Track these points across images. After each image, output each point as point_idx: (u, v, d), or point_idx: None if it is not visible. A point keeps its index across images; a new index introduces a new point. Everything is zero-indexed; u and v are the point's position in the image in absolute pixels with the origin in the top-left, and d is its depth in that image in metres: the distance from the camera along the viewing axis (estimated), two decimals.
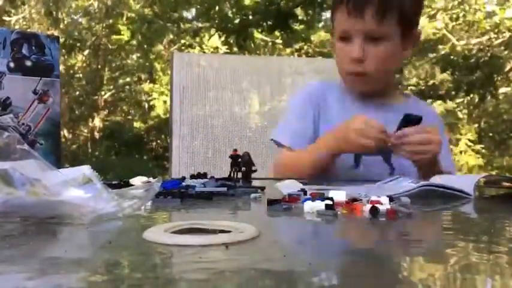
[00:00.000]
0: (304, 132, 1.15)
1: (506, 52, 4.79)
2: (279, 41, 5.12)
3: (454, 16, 4.90)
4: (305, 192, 0.59)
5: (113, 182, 0.67)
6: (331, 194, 0.55)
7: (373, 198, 0.51)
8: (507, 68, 4.81)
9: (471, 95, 4.93)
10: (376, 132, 0.94)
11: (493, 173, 4.55)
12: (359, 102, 1.18)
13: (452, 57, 4.88)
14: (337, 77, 1.23)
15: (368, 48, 1.08)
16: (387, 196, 0.52)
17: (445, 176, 0.80)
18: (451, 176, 0.94)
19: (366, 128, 0.95)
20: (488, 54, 4.78)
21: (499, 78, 4.87)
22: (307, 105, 1.18)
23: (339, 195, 0.54)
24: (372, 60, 1.09)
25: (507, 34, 4.78)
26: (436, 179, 0.71)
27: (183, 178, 0.79)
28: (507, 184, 0.76)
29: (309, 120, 1.16)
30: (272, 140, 1.20)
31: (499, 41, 4.82)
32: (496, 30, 4.81)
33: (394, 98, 1.21)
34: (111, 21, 5.26)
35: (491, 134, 5.11)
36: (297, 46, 5.12)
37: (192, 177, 0.77)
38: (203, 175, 0.78)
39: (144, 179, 0.69)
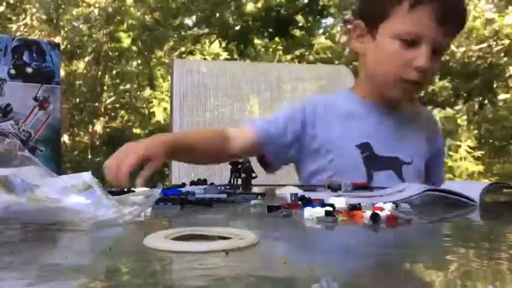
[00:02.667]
0: (275, 126, 1.08)
1: (505, 59, 4.81)
2: (279, 47, 5.14)
3: None
4: (306, 199, 0.59)
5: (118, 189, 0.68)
6: (331, 200, 0.55)
7: (377, 204, 0.51)
8: (507, 75, 4.83)
9: (470, 102, 4.94)
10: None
11: (493, 179, 4.55)
12: (375, 110, 1.11)
13: (451, 64, 4.89)
14: (337, 84, 1.23)
15: (432, 58, 1.00)
16: (392, 202, 0.52)
17: (451, 183, 0.80)
18: (457, 183, 0.93)
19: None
20: (488, 61, 4.79)
21: (499, 84, 4.88)
22: (295, 116, 1.10)
23: (339, 202, 0.54)
24: (430, 72, 1.03)
25: (506, 41, 4.79)
26: (444, 186, 0.71)
27: (183, 184, 0.79)
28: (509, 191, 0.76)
29: (289, 130, 1.08)
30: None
31: (498, 47, 4.84)
32: (495, 37, 4.82)
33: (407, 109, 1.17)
34: (111, 28, 5.28)
35: (491, 141, 5.11)
36: (297, 53, 5.13)
37: (192, 183, 0.77)
38: (203, 181, 0.78)
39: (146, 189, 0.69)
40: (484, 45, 4.79)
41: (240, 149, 1.04)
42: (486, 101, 4.85)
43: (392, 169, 1.06)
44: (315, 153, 1.10)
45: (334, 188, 0.77)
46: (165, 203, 0.58)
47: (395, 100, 1.10)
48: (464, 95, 4.90)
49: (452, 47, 4.90)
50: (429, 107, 4.30)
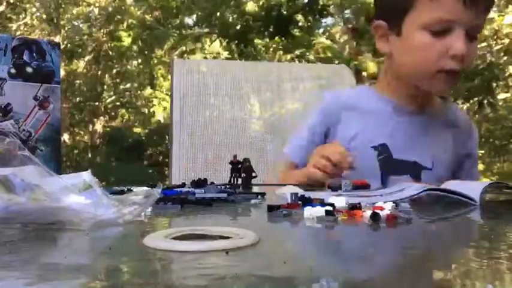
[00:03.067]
0: (305, 145, 1.08)
1: (505, 58, 4.80)
2: (279, 46, 5.14)
3: None
4: (306, 199, 0.58)
5: (119, 189, 0.68)
6: (331, 200, 0.55)
7: (377, 204, 0.51)
8: (506, 74, 4.82)
9: (470, 102, 4.94)
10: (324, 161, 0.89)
11: (493, 178, 4.55)
12: (397, 110, 1.06)
13: None
14: (337, 83, 1.23)
15: (468, 44, 0.94)
16: (393, 201, 0.52)
17: (452, 182, 0.79)
18: (458, 182, 0.91)
19: (317, 158, 0.91)
20: (487, 61, 4.79)
21: (499, 84, 4.88)
22: (315, 121, 1.09)
23: (339, 201, 0.54)
24: (468, 59, 0.96)
25: (506, 41, 4.79)
26: (445, 185, 0.71)
27: (183, 184, 0.79)
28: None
29: (313, 133, 1.08)
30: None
31: (498, 47, 4.83)
32: (495, 37, 4.82)
33: (433, 100, 1.11)
34: (112, 27, 5.28)
35: (491, 140, 5.11)
36: (297, 52, 5.13)
37: (193, 183, 0.77)
38: (203, 181, 0.78)
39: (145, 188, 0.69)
40: (484, 44, 4.78)
41: (296, 180, 0.96)
42: (485, 101, 4.85)
43: (410, 174, 1.01)
44: None
45: (334, 188, 0.77)
46: (165, 202, 0.58)
47: (438, 93, 1.04)
48: (465, 93, 4.90)
49: None
50: None
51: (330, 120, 1.08)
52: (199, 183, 0.76)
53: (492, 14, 4.92)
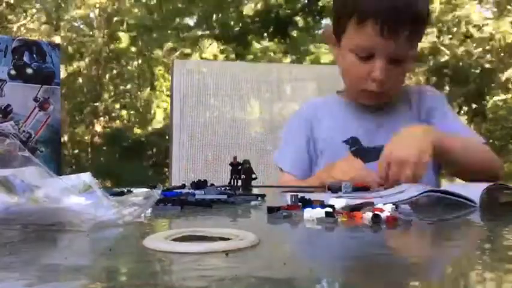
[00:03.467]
0: (302, 157, 1.18)
1: (499, 63, 4.81)
2: (278, 48, 5.14)
3: (446, 28, 4.93)
4: (306, 200, 0.58)
5: (118, 190, 0.68)
6: (331, 201, 0.55)
7: (377, 205, 0.51)
8: (504, 78, 4.82)
9: (466, 108, 4.94)
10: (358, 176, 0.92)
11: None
12: (357, 113, 1.17)
13: (445, 70, 4.89)
14: (336, 84, 1.23)
15: (389, 68, 1.04)
16: (393, 203, 0.52)
17: (453, 184, 0.80)
18: (457, 184, 0.91)
19: (349, 169, 0.95)
20: (483, 66, 4.79)
21: (495, 86, 4.88)
22: (300, 128, 1.19)
23: (339, 203, 0.54)
24: (392, 81, 1.06)
25: (502, 43, 4.79)
26: (445, 187, 0.71)
27: (183, 186, 0.79)
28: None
29: (303, 143, 1.18)
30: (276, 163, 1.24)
31: (494, 51, 4.83)
32: (490, 42, 4.82)
33: (396, 100, 1.19)
34: (111, 28, 5.28)
35: (491, 141, 5.11)
36: (297, 55, 5.13)
37: (193, 184, 0.77)
38: (203, 182, 0.78)
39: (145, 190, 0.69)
40: (478, 50, 4.79)
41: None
42: (479, 107, 4.85)
43: None
44: (315, 155, 1.18)
45: (335, 189, 0.77)
46: (165, 204, 0.58)
47: (366, 105, 1.14)
48: (461, 99, 4.90)
49: (446, 52, 4.90)
50: None
51: (309, 124, 1.19)
52: (199, 184, 0.76)
53: (489, 15, 4.93)
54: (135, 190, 0.69)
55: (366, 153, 1.09)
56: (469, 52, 4.79)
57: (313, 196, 0.62)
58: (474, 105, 4.89)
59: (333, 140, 1.14)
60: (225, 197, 0.66)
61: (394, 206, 0.52)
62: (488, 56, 4.80)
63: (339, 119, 1.18)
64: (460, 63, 4.85)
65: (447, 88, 4.85)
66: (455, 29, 4.89)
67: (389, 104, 1.17)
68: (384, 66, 1.03)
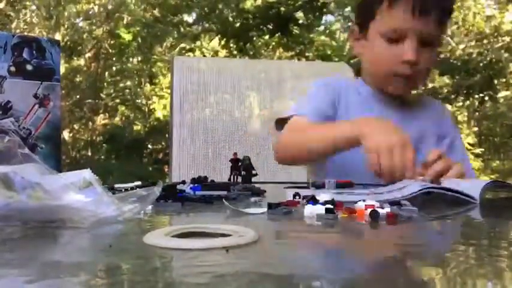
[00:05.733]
0: (324, 109, 1.10)
1: (506, 55, 4.80)
2: (279, 44, 5.13)
3: (454, 20, 4.92)
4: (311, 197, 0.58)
5: (119, 187, 0.68)
6: (319, 196, 0.55)
7: (368, 202, 0.50)
8: (507, 71, 4.82)
9: (471, 99, 4.94)
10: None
11: (493, 176, 4.55)
12: (380, 103, 1.15)
13: (451, 61, 4.88)
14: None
15: (420, 51, 1.05)
16: (392, 200, 0.52)
17: (452, 180, 0.79)
18: (458, 180, 0.89)
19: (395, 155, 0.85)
20: (488, 58, 4.78)
21: (499, 80, 4.88)
22: (328, 92, 1.15)
23: (326, 198, 0.54)
24: (422, 65, 1.07)
25: (507, 38, 4.79)
26: (445, 183, 0.71)
27: (183, 182, 0.79)
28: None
29: (328, 101, 1.12)
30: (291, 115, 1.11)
31: (499, 44, 4.83)
32: (496, 34, 4.82)
33: (411, 97, 1.22)
34: (111, 24, 5.27)
35: (491, 138, 5.11)
36: (297, 50, 5.13)
37: (193, 181, 0.77)
38: (203, 179, 0.78)
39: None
40: (485, 41, 4.78)
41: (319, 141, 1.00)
42: (486, 97, 4.85)
43: None
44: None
45: (317, 186, 0.75)
46: (165, 200, 0.58)
47: (394, 95, 1.14)
48: (465, 91, 4.90)
49: (453, 44, 4.90)
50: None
51: (336, 97, 1.15)
52: (200, 181, 0.76)
53: (492, 11, 4.93)
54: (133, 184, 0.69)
55: None
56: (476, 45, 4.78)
57: (305, 192, 0.62)
58: (480, 99, 4.89)
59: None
60: (225, 193, 0.66)
61: (394, 202, 0.52)
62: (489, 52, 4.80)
63: (367, 104, 1.15)
64: (466, 56, 4.84)
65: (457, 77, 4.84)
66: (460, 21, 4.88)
67: (412, 101, 1.19)
68: (415, 46, 1.04)
